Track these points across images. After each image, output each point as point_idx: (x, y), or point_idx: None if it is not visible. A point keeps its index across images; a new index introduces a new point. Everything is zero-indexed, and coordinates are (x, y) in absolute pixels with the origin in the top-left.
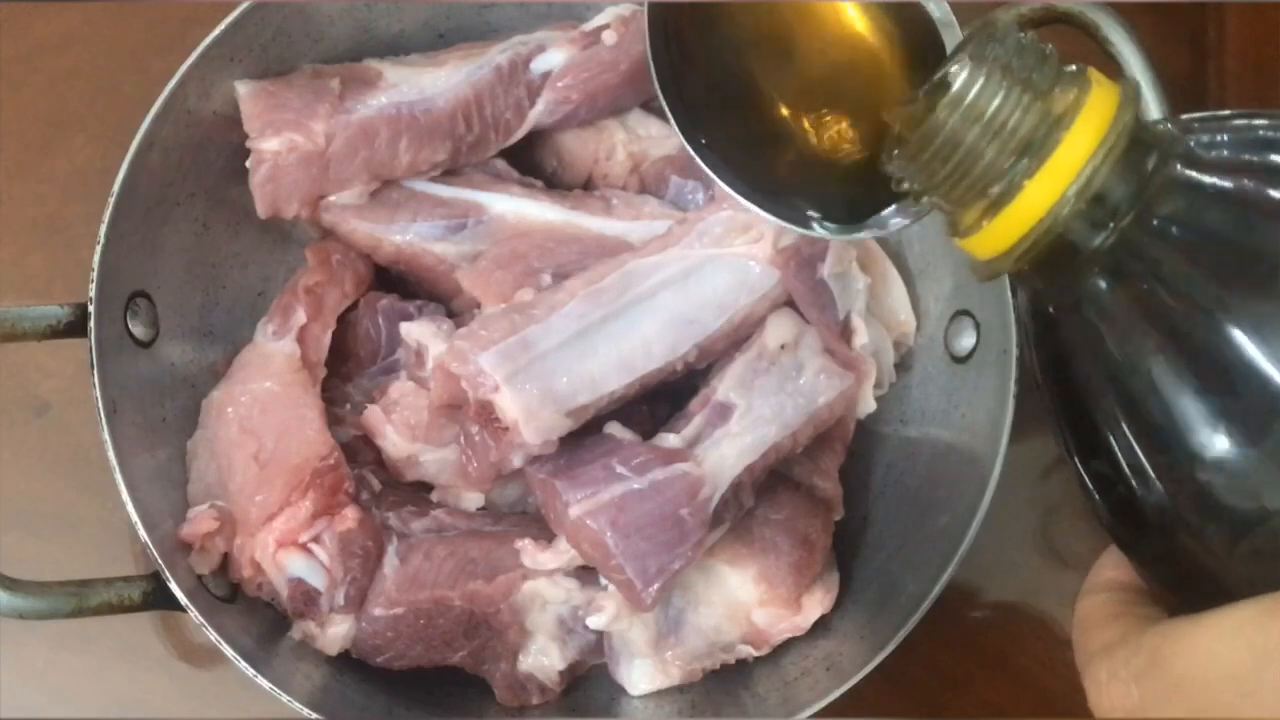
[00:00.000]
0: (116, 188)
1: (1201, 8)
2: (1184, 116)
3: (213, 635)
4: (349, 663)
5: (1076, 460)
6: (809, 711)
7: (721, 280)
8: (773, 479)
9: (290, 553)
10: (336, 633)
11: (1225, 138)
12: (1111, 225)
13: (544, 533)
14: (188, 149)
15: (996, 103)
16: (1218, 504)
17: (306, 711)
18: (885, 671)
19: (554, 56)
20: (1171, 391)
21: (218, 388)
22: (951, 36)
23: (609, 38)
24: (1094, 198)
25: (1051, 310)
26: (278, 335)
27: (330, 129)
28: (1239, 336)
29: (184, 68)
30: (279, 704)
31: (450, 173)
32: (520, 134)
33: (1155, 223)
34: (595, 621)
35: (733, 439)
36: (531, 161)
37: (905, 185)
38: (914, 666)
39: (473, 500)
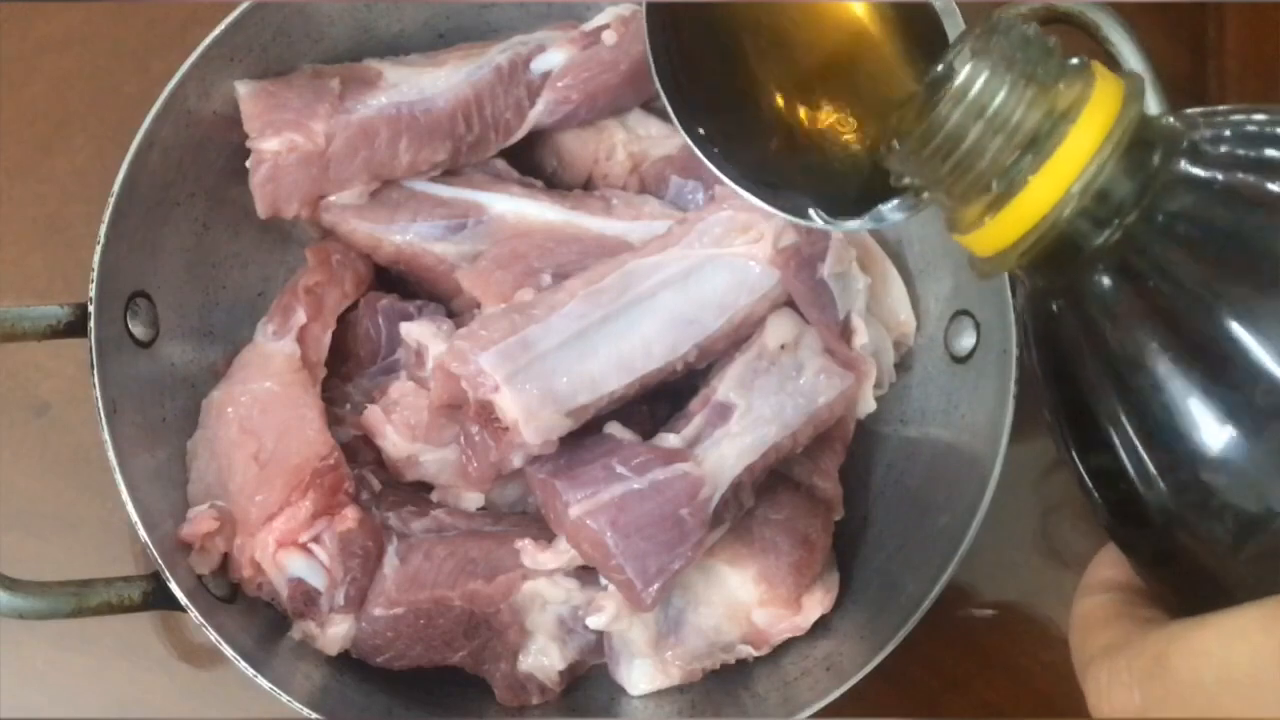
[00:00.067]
0: (116, 188)
1: (1201, 8)
2: (1187, 111)
3: (213, 635)
4: (349, 663)
5: (1076, 459)
6: (809, 711)
7: (721, 280)
8: (773, 479)
9: (290, 553)
10: (336, 633)
11: (1229, 133)
12: (1116, 222)
13: (544, 533)
14: (188, 149)
15: (1001, 97)
16: (1222, 504)
17: (306, 711)
18: (885, 671)
19: (554, 56)
20: (1176, 390)
21: (218, 388)
22: (953, 24)
23: (609, 38)
24: (1098, 194)
25: (1054, 308)
26: (278, 335)
27: (330, 129)
28: (1246, 334)
29: (184, 68)
30: (279, 704)
31: (450, 173)
32: (520, 134)
33: (1160, 219)
34: (595, 621)
35: (733, 439)
36: (531, 161)
37: (906, 181)
38: (914, 666)
39: (473, 500)
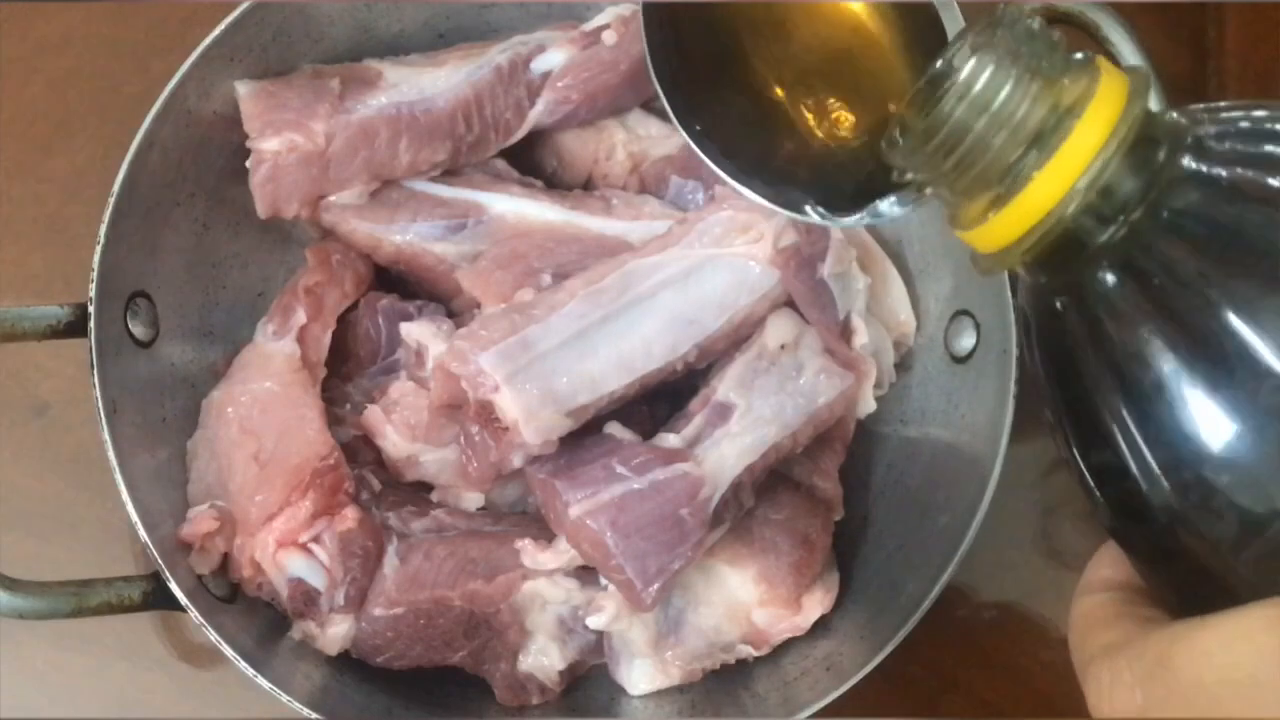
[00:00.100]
0: (116, 188)
1: (1201, 8)
2: (1189, 107)
3: (213, 635)
4: (349, 663)
5: (1078, 457)
6: (809, 711)
7: (721, 280)
8: (773, 479)
9: (290, 553)
10: (336, 633)
11: (1233, 129)
12: (1121, 218)
13: (544, 533)
14: (188, 149)
15: (1006, 91)
16: (1225, 503)
17: (306, 711)
18: (885, 671)
19: (554, 56)
20: (1181, 388)
21: (218, 388)
22: (951, 19)
23: (609, 38)
24: (1104, 190)
25: (1058, 305)
26: (278, 335)
27: (330, 129)
28: (1252, 332)
29: (184, 68)
30: (279, 704)
31: (450, 173)
32: (520, 134)
33: (1166, 215)
34: (595, 621)
35: (733, 439)
36: (531, 161)
37: (908, 177)
38: (914, 666)
39: (473, 500)
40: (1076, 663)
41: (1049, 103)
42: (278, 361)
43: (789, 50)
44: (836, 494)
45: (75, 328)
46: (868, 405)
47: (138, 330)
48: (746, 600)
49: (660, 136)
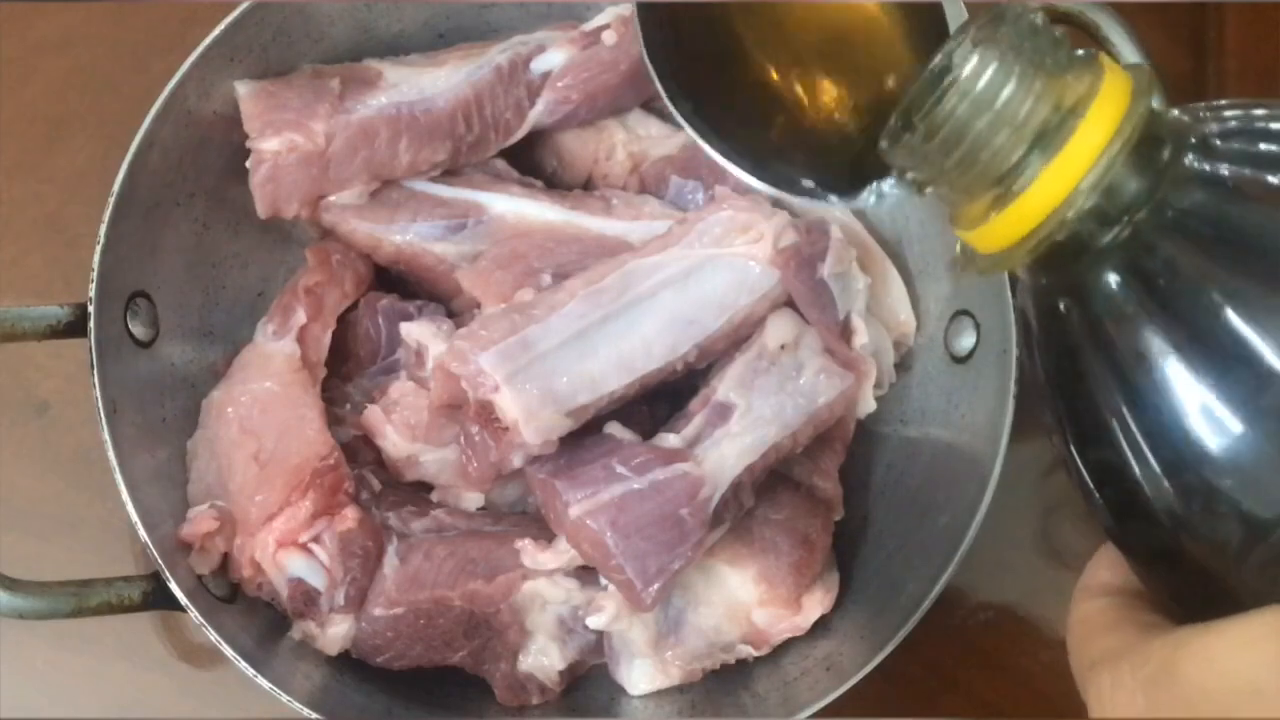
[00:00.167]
0: (116, 188)
1: (1201, 8)
2: (1191, 106)
3: (213, 635)
4: (349, 663)
5: (1078, 459)
6: (809, 711)
7: (721, 280)
8: (773, 479)
9: (290, 553)
10: (336, 633)
11: (1237, 128)
12: (1125, 219)
13: (544, 533)
14: (188, 149)
15: (1009, 88)
16: (1230, 507)
17: (306, 711)
18: (885, 671)
19: (554, 56)
20: (1185, 390)
21: (218, 388)
22: (954, 11)
23: (609, 38)
24: (1108, 190)
25: (1060, 306)
26: (278, 335)
27: (330, 129)
28: (1257, 334)
29: (184, 68)
30: (279, 704)
31: (450, 173)
32: (520, 134)
33: (1170, 215)
34: (595, 621)
35: (733, 439)
36: (531, 161)
37: (909, 175)
38: (914, 666)
39: (473, 500)
40: (1075, 667)
41: (1052, 100)
42: (278, 361)
43: (785, 27)
44: (836, 494)
45: (75, 328)
46: (868, 405)
47: (138, 330)
48: (746, 600)
49: (660, 136)
